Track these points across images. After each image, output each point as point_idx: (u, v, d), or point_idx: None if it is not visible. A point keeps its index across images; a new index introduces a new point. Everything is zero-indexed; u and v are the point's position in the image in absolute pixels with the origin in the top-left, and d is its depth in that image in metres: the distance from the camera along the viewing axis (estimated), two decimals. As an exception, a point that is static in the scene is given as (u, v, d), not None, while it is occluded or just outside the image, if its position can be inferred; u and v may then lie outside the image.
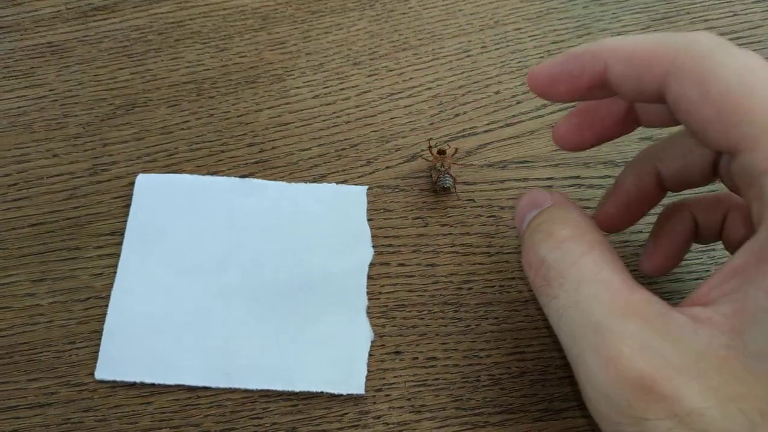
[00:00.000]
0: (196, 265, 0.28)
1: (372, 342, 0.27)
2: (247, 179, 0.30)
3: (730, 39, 0.33)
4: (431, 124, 0.31)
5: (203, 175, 0.30)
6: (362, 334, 0.27)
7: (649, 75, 0.19)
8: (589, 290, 0.19)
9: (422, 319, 0.27)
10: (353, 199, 0.30)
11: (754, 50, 0.33)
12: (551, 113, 0.31)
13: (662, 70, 0.18)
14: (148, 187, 0.29)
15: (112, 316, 0.27)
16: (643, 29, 0.34)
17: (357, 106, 0.32)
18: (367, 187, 0.30)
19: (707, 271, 0.28)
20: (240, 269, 0.28)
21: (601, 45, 0.20)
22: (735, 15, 0.34)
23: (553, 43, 0.33)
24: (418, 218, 0.29)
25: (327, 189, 0.30)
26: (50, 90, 0.32)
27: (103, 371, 0.26)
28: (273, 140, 0.31)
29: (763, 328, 0.16)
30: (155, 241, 0.28)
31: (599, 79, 0.20)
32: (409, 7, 0.34)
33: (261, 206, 0.29)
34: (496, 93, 0.32)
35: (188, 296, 0.27)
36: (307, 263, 0.28)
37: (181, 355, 0.26)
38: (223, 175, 0.30)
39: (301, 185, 0.30)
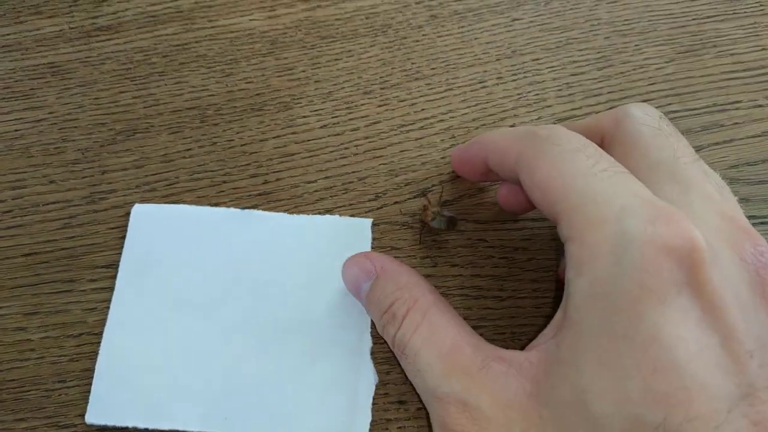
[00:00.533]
0: (193, 301, 0.27)
1: (375, 385, 0.25)
2: (247, 210, 0.29)
3: (759, 74, 0.32)
4: (443, 158, 0.30)
5: (203, 206, 0.29)
6: (365, 379, 0.26)
7: (507, 164, 0.23)
8: (423, 359, 0.21)
9: (429, 366, 0.26)
10: (357, 232, 0.28)
11: (784, 87, 0.31)
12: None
13: (513, 160, 0.22)
14: (145, 217, 0.28)
15: (105, 354, 0.26)
16: (667, 62, 0.32)
17: (366, 138, 0.30)
18: (371, 219, 0.28)
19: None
20: (239, 305, 0.27)
21: (484, 137, 0.25)
22: (764, 49, 0.33)
23: (573, 75, 0.32)
24: (426, 258, 0.28)
25: (330, 221, 0.28)
26: (49, 113, 0.31)
27: (94, 415, 0.25)
28: (277, 171, 0.30)
29: (553, 378, 0.19)
30: (151, 275, 0.27)
31: (486, 165, 0.25)
32: (423, 35, 0.33)
33: (261, 239, 0.28)
34: (512, 126, 0.31)
35: (184, 334, 0.26)
36: (308, 300, 0.27)
37: (176, 398, 0.25)
38: (224, 207, 0.29)
39: (303, 217, 0.28)
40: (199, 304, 0.27)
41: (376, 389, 0.25)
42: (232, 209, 0.29)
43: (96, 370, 0.26)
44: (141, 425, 0.25)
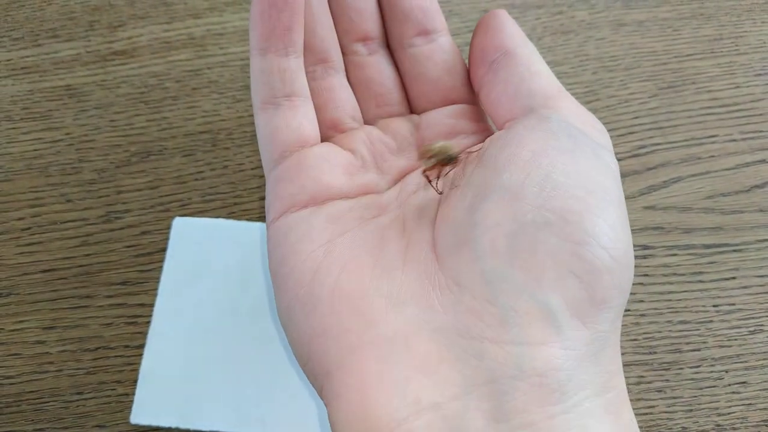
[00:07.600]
0: (232, 311, 0.28)
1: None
2: None
3: (733, 110, 0.34)
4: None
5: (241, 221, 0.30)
6: None
7: None
8: None
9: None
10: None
11: (756, 123, 0.34)
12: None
13: None
14: (185, 230, 0.30)
15: (148, 360, 0.27)
16: (650, 97, 0.35)
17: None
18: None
19: (705, 342, 0.29)
20: (276, 316, 0.28)
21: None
22: (737, 87, 0.35)
23: (562, 108, 0.34)
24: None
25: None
26: (67, 134, 0.32)
27: (138, 416, 0.26)
28: (286, 194, 0.31)
29: None
30: (191, 285, 0.29)
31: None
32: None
33: None
34: (506, 155, 0.33)
35: (223, 341, 0.28)
36: None
37: (214, 401, 0.27)
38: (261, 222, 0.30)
39: None
40: (238, 312, 0.28)
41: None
42: None
43: (140, 373, 0.27)
44: (182, 426, 0.26)
